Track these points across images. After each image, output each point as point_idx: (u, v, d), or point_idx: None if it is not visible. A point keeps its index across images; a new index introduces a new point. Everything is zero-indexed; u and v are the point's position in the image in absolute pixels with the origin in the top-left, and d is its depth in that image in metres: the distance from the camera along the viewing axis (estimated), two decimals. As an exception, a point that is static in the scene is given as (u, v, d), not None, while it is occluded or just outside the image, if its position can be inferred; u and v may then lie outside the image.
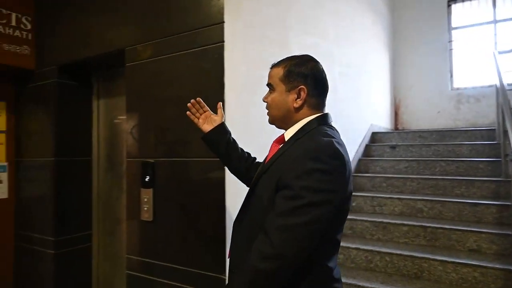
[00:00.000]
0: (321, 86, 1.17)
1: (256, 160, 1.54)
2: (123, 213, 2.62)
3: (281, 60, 1.20)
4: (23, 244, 2.90)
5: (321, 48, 3.24)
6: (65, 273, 2.71)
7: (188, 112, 1.54)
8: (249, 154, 1.56)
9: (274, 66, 1.20)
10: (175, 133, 2.08)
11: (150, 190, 2.13)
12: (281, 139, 1.20)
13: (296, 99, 1.13)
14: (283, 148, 1.13)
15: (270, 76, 1.19)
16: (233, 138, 1.53)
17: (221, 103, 1.59)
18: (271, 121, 1.22)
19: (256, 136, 1.97)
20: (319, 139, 1.04)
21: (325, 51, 3.33)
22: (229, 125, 1.56)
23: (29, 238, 2.85)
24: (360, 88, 4.33)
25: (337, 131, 1.16)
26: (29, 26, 2.84)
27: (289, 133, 1.16)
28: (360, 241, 2.95)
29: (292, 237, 0.95)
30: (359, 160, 4.09)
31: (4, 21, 2.68)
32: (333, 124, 1.18)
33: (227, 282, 1.27)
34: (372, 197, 3.37)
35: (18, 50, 2.77)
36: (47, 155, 2.76)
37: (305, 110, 1.14)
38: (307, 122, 1.13)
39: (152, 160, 2.15)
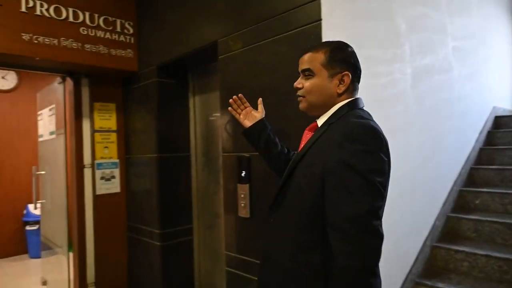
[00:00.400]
0: (359, 72, 1.18)
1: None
2: (221, 208, 2.61)
3: (317, 45, 1.19)
4: (134, 235, 3.13)
5: (431, 19, 2.79)
6: (171, 265, 2.83)
7: (229, 108, 1.61)
8: (289, 149, 1.56)
9: (311, 51, 1.18)
10: (271, 125, 1.95)
11: (247, 186, 2.05)
12: (314, 126, 1.20)
13: (339, 85, 1.13)
14: (316, 134, 1.12)
15: (308, 61, 1.17)
16: (273, 134, 1.54)
17: (261, 99, 1.61)
18: (307, 108, 1.20)
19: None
20: (354, 121, 1.04)
21: (436, 22, 2.86)
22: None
23: (139, 230, 3.05)
24: (479, 65, 3.67)
25: (369, 114, 1.14)
26: (131, 31, 3.01)
27: (322, 119, 1.16)
28: (489, 246, 2.46)
29: (363, 226, 0.93)
30: (480, 150, 3.47)
31: (111, 28, 2.89)
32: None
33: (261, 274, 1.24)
34: (503, 193, 2.80)
35: (123, 54, 2.96)
36: (150, 152, 2.90)
37: (344, 96, 1.14)
38: (339, 107, 1.13)
39: (247, 155, 2.06)
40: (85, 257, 3.02)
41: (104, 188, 3.11)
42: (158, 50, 2.83)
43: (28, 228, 4.74)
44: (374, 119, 1.13)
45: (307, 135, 1.20)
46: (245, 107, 1.59)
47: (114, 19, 2.91)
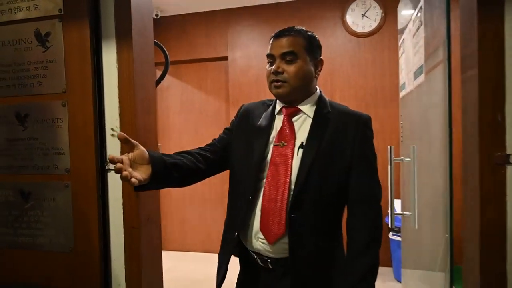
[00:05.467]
0: None
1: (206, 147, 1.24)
2: None
3: (294, 30, 1.14)
4: None
5: None
6: None
7: (124, 173, 0.91)
8: (191, 153, 1.17)
9: (290, 34, 1.13)
10: None
11: None
12: (293, 111, 1.17)
13: (316, 70, 1.17)
14: (320, 121, 1.13)
15: (289, 44, 1.12)
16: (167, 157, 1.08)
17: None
18: (288, 93, 1.13)
19: None
20: (359, 112, 1.17)
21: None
22: None
23: None
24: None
25: None
26: None
27: (307, 105, 1.17)
28: None
29: None
30: None
31: None
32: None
33: None
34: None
35: None
36: None
37: (315, 81, 1.19)
38: (320, 94, 1.19)
39: None
40: None
41: None
42: None
43: (392, 236, 3.18)
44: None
45: (287, 121, 1.16)
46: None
47: None
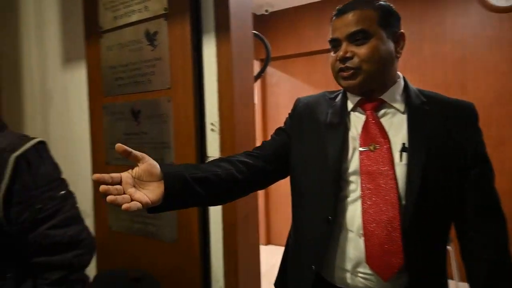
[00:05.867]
0: None
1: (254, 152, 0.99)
2: None
3: (360, 1, 0.89)
4: None
5: None
6: None
7: (109, 198, 0.68)
8: (231, 160, 0.93)
9: (355, 8, 0.88)
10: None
11: None
12: (378, 104, 0.92)
13: (396, 48, 0.90)
14: (418, 116, 0.89)
15: (358, 21, 0.87)
16: (193, 169, 0.86)
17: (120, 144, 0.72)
18: (363, 82, 0.88)
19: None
20: (460, 100, 0.92)
21: None
22: None
23: None
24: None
25: None
26: None
27: (394, 95, 0.91)
28: None
29: None
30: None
31: None
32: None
33: None
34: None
35: None
36: None
37: (397, 63, 0.92)
38: (405, 80, 0.95)
39: None
40: None
41: None
42: None
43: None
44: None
45: (373, 117, 0.90)
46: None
47: None
